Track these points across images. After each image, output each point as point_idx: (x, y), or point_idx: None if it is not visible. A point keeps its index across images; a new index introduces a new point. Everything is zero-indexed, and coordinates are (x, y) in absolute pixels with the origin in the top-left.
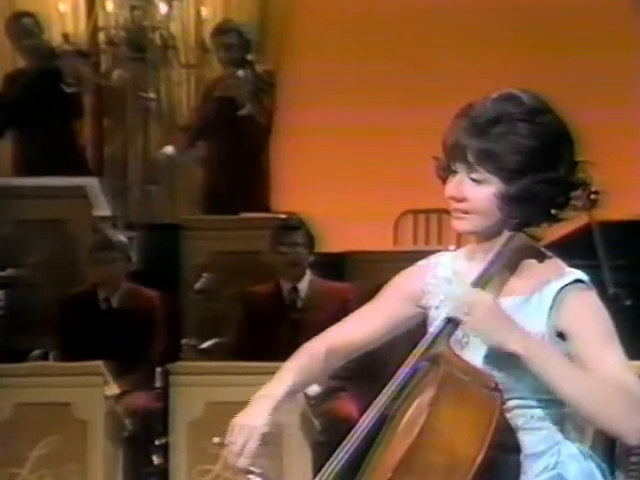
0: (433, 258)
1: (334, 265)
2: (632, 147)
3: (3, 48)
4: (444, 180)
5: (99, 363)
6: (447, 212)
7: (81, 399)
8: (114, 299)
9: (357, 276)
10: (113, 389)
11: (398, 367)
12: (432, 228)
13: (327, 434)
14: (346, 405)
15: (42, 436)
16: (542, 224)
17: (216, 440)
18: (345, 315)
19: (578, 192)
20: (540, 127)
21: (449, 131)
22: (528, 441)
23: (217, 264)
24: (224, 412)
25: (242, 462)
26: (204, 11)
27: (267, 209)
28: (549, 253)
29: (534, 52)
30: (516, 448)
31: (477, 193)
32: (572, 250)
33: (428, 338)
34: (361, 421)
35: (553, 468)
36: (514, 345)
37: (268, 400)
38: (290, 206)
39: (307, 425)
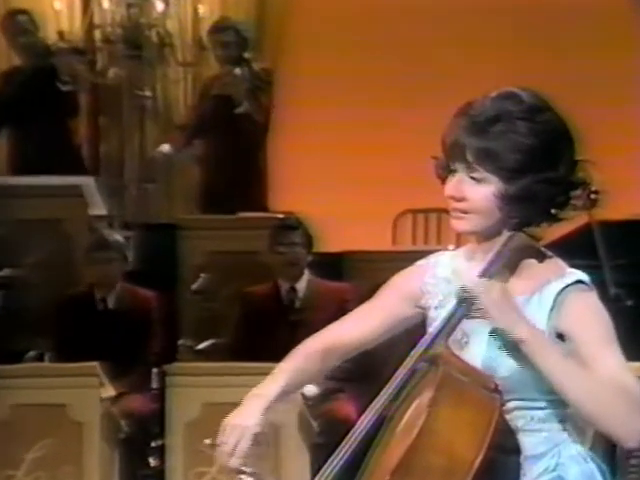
0: (432, 258)
1: (332, 265)
2: (632, 147)
3: None
4: (443, 179)
5: (95, 364)
6: (446, 212)
7: (77, 400)
8: (110, 299)
9: (356, 276)
10: (109, 391)
11: (397, 368)
12: (431, 228)
13: (325, 435)
14: (344, 406)
15: (38, 438)
16: (542, 224)
17: (207, 441)
18: (344, 315)
19: (578, 192)
20: (540, 125)
21: (448, 130)
22: (528, 443)
23: (214, 264)
24: (221, 413)
25: (234, 462)
26: (201, 9)
27: (265, 208)
28: (549, 253)
29: (534, 52)
30: (516, 450)
31: (476, 192)
32: (572, 250)
33: (427, 338)
34: (359, 422)
35: (553, 470)
36: (520, 332)
37: (260, 400)
38: (288, 205)
39: (305, 426)
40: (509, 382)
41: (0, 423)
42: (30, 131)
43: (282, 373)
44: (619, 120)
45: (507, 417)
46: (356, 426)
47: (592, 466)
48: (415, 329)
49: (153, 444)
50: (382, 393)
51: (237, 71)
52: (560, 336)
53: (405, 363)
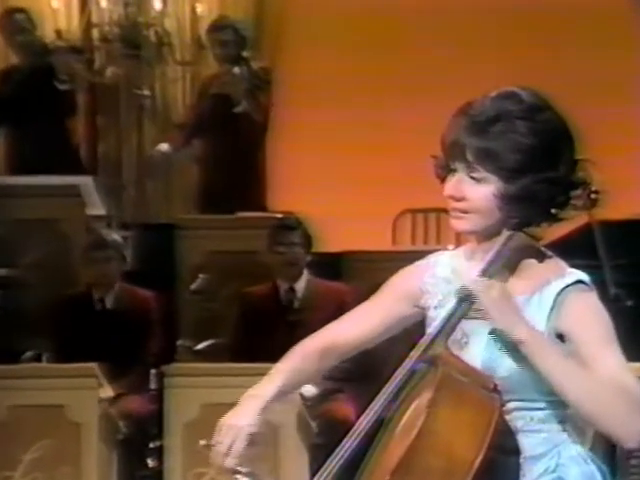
0: (432, 257)
1: (332, 265)
2: (632, 147)
3: None
4: (443, 179)
5: (93, 365)
6: (446, 211)
7: (75, 401)
8: (108, 299)
9: (355, 276)
10: (107, 391)
11: (396, 368)
12: (431, 227)
13: (324, 436)
14: (343, 407)
15: (35, 439)
16: (542, 224)
17: (203, 442)
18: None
19: (578, 191)
20: (540, 125)
21: (448, 130)
22: (528, 443)
23: (213, 264)
24: (220, 414)
25: (229, 462)
26: (199, 8)
27: (264, 208)
28: (549, 253)
29: (534, 52)
30: (515, 450)
31: (476, 192)
32: (572, 250)
33: (427, 338)
34: (358, 423)
35: (553, 471)
36: (520, 333)
37: (257, 400)
38: (287, 205)
39: (304, 427)
40: (509, 382)
41: None
42: (28, 130)
43: (279, 373)
44: (619, 120)
45: (507, 418)
46: (355, 427)
47: (592, 467)
48: (415, 329)
49: (151, 445)
50: (381, 393)
51: (236, 70)
52: (560, 336)
53: (404, 363)
